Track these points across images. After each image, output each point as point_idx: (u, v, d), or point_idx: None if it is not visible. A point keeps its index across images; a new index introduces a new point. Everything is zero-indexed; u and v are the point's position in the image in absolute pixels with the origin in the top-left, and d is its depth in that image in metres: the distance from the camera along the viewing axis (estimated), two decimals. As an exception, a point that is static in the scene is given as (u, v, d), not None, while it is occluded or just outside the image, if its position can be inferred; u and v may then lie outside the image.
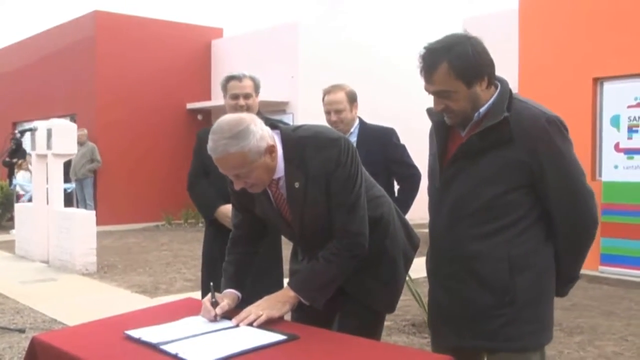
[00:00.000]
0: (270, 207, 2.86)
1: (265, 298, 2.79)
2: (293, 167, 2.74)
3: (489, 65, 2.50)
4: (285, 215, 2.86)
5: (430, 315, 2.86)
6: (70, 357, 2.36)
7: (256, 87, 4.50)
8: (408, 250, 3.15)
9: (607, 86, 9.42)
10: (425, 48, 2.51)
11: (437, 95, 2.52)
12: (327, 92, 4.70)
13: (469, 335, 2.60)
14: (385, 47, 16.40)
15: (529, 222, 2.55)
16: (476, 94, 2.50)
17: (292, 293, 2.79)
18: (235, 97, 4.40)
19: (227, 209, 4.27)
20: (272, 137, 2.69)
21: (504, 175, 2.50)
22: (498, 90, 2.55)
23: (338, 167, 2.71)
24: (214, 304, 2.74)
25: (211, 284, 2.89)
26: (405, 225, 3.18)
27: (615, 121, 9.15)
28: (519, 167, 2.48)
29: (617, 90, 9.22)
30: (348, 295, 2.93)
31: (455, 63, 2.43)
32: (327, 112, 4.66)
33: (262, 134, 2.62)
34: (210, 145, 2.61)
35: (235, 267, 3.02)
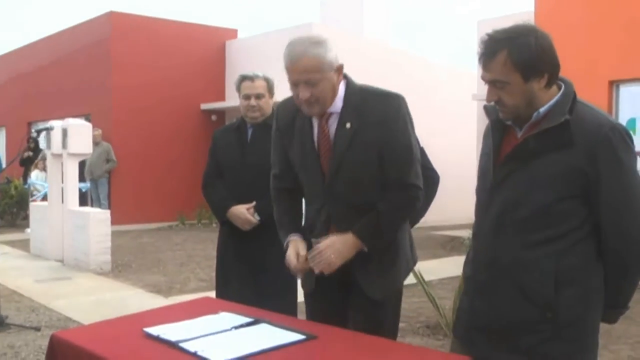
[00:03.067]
0: (311, 148, 2.94)
1: (333, 239, 2.85)
2: (350, 108, 2.87)
3: (552, 63, 2.38)
4: (322, 160, 2.92)
5: (461, 320, 2.71)
6: (89, 355, 2.37)
7: (269, 88, 4.50)
8: (410, 254, 3.14)
9: (624, 89, 9.38)
10: (487, 34, 2.43)
11: (492, 84, 2.42)
12: None
13: (505, 348, 2.45)
14: (400, 49, 16.39)
15: (581, 236, 2.40)
16: (532, 91, 2.37)
17: (358, 241, 2.84)
18: (247, 97, 4.42)
19: (238, 210, 4.31)
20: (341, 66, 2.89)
21: (559, 182, 2.35)
22: (561, 92, 2.43)
23: (398, 117, 2.86)
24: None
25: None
26: (411, 235, 3.18)
27: (632, 124, 9.10)
28: (575, 174, 2.34)
29: (633, 93, 9.18)
30: (354, 286, 2.97)
31: (515, 54, 2.32)
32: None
33: (336, 54, 2.86)
34: (287, 51, 2.91)
35: (288, 216, 3.15)
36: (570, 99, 2.40)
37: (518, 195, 2.42)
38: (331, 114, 2.91)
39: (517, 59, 2.32)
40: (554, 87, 2.44)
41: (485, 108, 2.61)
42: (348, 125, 2.86)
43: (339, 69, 2.87)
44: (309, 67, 2.82)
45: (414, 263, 3.18)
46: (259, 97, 4.42)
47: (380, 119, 2.83)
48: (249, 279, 4.41)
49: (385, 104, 2.87)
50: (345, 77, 2.96)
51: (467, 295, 2.66)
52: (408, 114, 2.92)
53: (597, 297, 2.44)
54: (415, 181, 2.89)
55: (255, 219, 4.28)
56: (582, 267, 2.39)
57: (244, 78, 4.48)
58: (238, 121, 4.63)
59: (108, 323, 2.85)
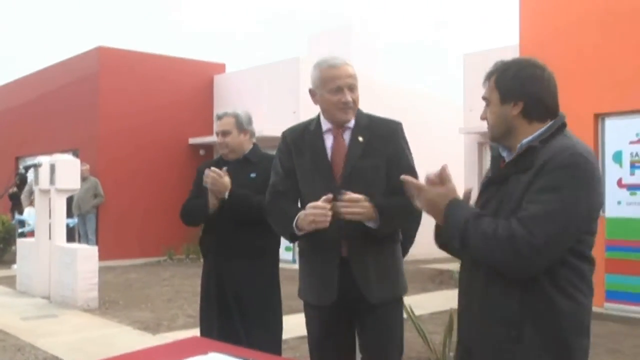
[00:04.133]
0: (324, 157, 3.30)
1: (360, 197, 3.09)
2: (361, 126, 3.34)
3: (529, 94, 2.49)
4: (335, 168, 3.27)
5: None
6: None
7: (238, 124, 4.54)
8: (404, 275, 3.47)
9: (609, 122, 9.46)
10: (496, 62, 2.64)
11: (484, 100, 2.64)
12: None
13: None
14: (388, 84, 16.51)
15: None
16: (508, 116, 2.52)
17: (375, 213, 3.11)
18: (217, 134, 4.57)
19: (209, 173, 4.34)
20: None
21: (518, 201, 2.40)
22: (546, 126, 2.51)
23: (400, 138, 3.38)
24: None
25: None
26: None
27: (618, 157, 9.17)
28: (524, 191, 2.40)
29: (618, 126, 9.26)
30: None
31: (500, 77, 2.56)
32: None
33: None
34: (327, 62, 3.33)
35: (287, 206, 3.35)
36: (549, 132, 2.48)
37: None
38: (346, 128, 3.33)
39: (498, 80, 2.56)
40: (540, 123, 2.51)
41: (490, 146, 2.79)
42: (360, 138, 3.29)
43: None
44: (351, 73, 3.29)
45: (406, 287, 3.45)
46: (224, 134, 4.53)
47: (386, 135, 3.34)
48: (232, 311, 4.40)
49: (389, 126, 3.40)
50: None
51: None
52: (405, 138, 3.41)
53: (568, 322, 2.41)
54: None
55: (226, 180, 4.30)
56: (547, 297, 2.39)
57: (216, 117, 4.65)
58: (218, 157, 4.71)
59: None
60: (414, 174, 3.15)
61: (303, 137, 3.41)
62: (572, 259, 2.40)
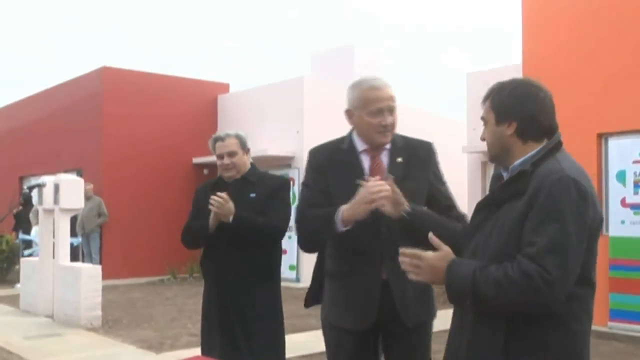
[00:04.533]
0: (362, 179, 3.12)
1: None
2: (397, 146, 3.31)
3: (522, 114, 2.50)
4: None
5: None
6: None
7: (242, 144, 4.57)
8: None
9: (612, 142, 9.47)
10: (496, 83, 2.67)
11: (482, 120, 2.67)
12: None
13: None
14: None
15: None
16: (503, 136, 2.54)
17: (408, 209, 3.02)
18: (221, 156, 4.55)
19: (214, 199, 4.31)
20: None
21: (511, 228, 2.41)
22: (540, 147, 2.51)
23: (436, 159, 3.40)
24: None
25: None
26: None
27: (621, 177, 9.17)
28: (522, 218, 2.38)
29: (622, 145, 9.27)
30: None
31: (495, 97, 2.59)
32: None
33: None
34: (369, 83, 3.25)
35: (323, 209, 3.20)
36: (542, 152, 2.48)
37: (482, 242, 2.51)
38: (383, 149, 3.30)
39: (494, 101, 2.58)
40: (538, 144, 2.53)
41: (495, 167, 2.78)
42: (399, 159, 3.26)
43: None
44: (392, 95, 3.24)
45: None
46: (231, 154, 4.51)
47: (425, 157, 3.35)
48: (235, 331, 4.40)
49: (425, 147, 3.40)
50: None
51: None
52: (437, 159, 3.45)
53: (560, 353, 2.38)
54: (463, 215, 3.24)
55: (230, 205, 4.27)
56: (537, 321, 2.37)
57: (216, 139, 4.62)
58: (217, 178, 4.70)
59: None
60: (452, 200, 3.35)
61: (336, 156, 3.34)
62: (574, 287, 2.35)
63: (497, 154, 2.61)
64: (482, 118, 2.65)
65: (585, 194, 2.36)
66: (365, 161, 3.30)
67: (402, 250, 2.59)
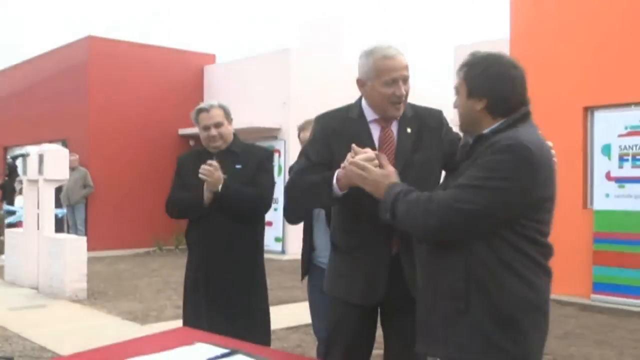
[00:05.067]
0: (372, 149, 2.98)
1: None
2: (408, 117, 3.20)
3: (493, 92, 2.61)
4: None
5: None
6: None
7: (227, 115, 4.55)
8: None
9: (598, 115, 9.49)
10: (469, 56, 2.73)
11: (455, 90, 2.76)
12: (301, 128, 4.81)
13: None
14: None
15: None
16: (472, 110, 2.65)
17: (389, 184, 2.77)
18: (207, 128, 4.49)
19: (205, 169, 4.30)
20: None
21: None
22: (501, 121, 2.62)
23: (447, 124, 3.30)
24: None
25: None
26: None
27: (607, 150, 9.20)
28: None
29: (607, 119, 9.29)
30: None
31: (469, 71, 2.66)
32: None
33: None
34: (382, 51, 3.09)
35: (318, 175, 3.13)
36: (506, 124, 2.59)
37: None
38: (392, 120, 3.19)
39: (467, 74, 2.67)
40: (506, 118, 2.63)
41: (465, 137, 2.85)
42: (409, 130, 3.16)
43: None
44: (406, 64, 3.11)
45: None
46: (217, 125, 4.48)
47: (436, 127, 3.24)
48: (219, 303, 4.40)
49: (435, 116, 3.30)
50: None
51: None
52: (449, 125, 3.33)
53: (514, 298, 2.52)
54: None
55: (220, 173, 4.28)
56: (492, 273, 2.51)
57: (199, 110, 4.55)
58: (200, 148, 4.66)
59: (84, 355, 2.80)
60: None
61: (344, 125, 3.21)
62: (521, 243, 2.51)
63: (467, 125, 2.74)
64: (455, 88, 2.74)
65: (531, 161, 2.44)
66: (375, 131, 3.19)
67: (351, 160, 2.83)
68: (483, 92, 2.61)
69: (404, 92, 3.10)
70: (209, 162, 4.26)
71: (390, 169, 2.80)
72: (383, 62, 3.08)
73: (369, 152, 2.89)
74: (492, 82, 2.60)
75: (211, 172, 4.23)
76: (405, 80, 3.11)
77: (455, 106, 2.75)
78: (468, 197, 2.44)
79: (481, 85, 2.62)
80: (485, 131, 2.62)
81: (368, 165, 2.76)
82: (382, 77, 3.07)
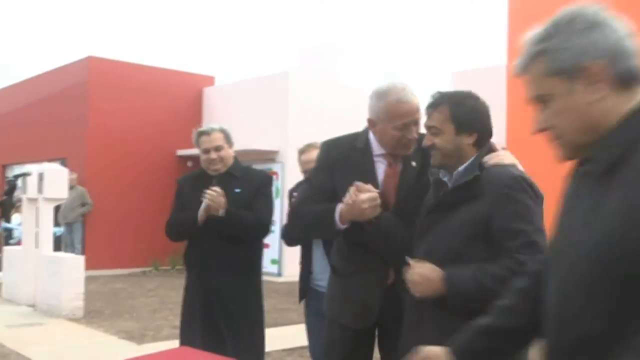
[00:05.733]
0: (373, 184, 3.02)
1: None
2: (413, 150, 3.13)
3: (483, 128, 2.76)
4: (387, 196, 3.07)
5: None
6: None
7: (227, 138, 4.62)
8: None
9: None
10: (437, 92, 2.77)
11: (429, 131, 2.75)
12: (302, 152, 4.89)
13: None
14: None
15: None
16: (461, 145, 2.71)
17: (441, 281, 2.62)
18: (207, 151, 4.56)
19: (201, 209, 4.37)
20: None
21: (467, 227, 2.61)
22: (478, 152, 2.73)
23: None
24: None
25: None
26: None
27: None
28: (480, 216, 2.59)
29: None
30: None
31: (455, 108, 2.70)
32: (305, 171, 4.73)
33: None
34: (398, 95, 3.02)
35: (321, 205, 3.16)
36: (480, 158, 2.70)
37: (436, 242, 2.68)
38: (397, 156, 3.16)
39: (454, 113, 2.70)
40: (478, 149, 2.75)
41: (430, 171, 2.89)
42: (414, 163, 3.13)
43: None
44: (419, 108, 3.05)
45: None
46: (218, 149, 4.55)
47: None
48: (217, 324, 4.45)
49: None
50: None
51: None
52: None
53: None
54: None
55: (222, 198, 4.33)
56: None
57: (200, 133, 4.62)
58: (200, 171, 4.73)
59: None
60: None
61: (349, 154, 3.21)
62: None
63: (448, 161, 2.75)
64: (433, 128, 2.74)
65: (532, 184, 2.63)
66: (381, 165, 3.18)
67: (355, 198, 2.90)
68: (474, 127, 2.72)
69: (416, 136, 3.07)
70: (213, 187, 4.33)
71: (428, 264, 2.65)
72: (396, 106, 3.02)
73: (372, 192, 2.94)
74: (481, 117, 2.76)
75: (215, 197, 4.30)
76: (416, 123, 3.07)
77: (436, 146, 2.73)
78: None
79: (472, 120, 2.73)
80: (464, 166, 2.71)
81: (414, 264, 2.66)
82: (394, 121, 3.02)
